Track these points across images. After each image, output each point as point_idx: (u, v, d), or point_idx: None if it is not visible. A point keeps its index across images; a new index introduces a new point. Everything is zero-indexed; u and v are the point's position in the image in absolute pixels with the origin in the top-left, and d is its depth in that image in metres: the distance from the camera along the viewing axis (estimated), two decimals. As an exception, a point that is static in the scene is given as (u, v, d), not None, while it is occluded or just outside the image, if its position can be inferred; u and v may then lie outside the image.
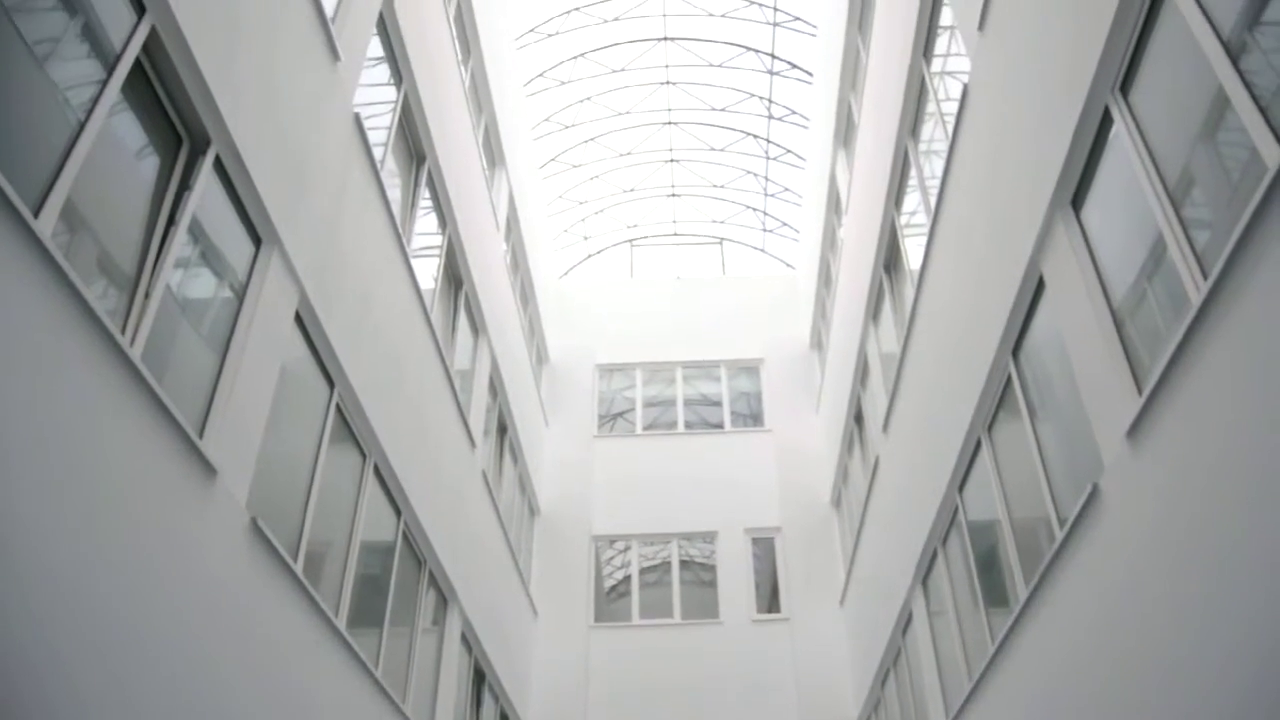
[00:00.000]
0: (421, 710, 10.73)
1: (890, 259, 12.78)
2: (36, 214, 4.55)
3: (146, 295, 5.60)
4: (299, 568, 7.36)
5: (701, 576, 18.50)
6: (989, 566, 9.24)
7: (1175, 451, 5.33)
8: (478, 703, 13.61)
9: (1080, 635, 6.77)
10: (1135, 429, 5.76)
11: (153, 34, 5.63)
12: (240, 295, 6.80)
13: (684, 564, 18.57)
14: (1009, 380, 8.30)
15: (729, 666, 17.06)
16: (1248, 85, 4.62)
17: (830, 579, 17.87)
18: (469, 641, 13.00)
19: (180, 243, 5.94)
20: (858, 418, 15.87)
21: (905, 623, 12.69)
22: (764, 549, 18.68)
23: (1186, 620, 5.25)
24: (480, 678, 13.79)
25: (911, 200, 11.50)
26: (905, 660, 12.89)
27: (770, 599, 18.16)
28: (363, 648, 8.72)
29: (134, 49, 5.42)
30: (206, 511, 5.95)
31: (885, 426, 13.06)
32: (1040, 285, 7.42)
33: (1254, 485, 4.54)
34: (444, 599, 11.95)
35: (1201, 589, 5.08)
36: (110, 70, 5.26)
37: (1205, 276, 5.12)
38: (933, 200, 10.27)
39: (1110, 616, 6.25)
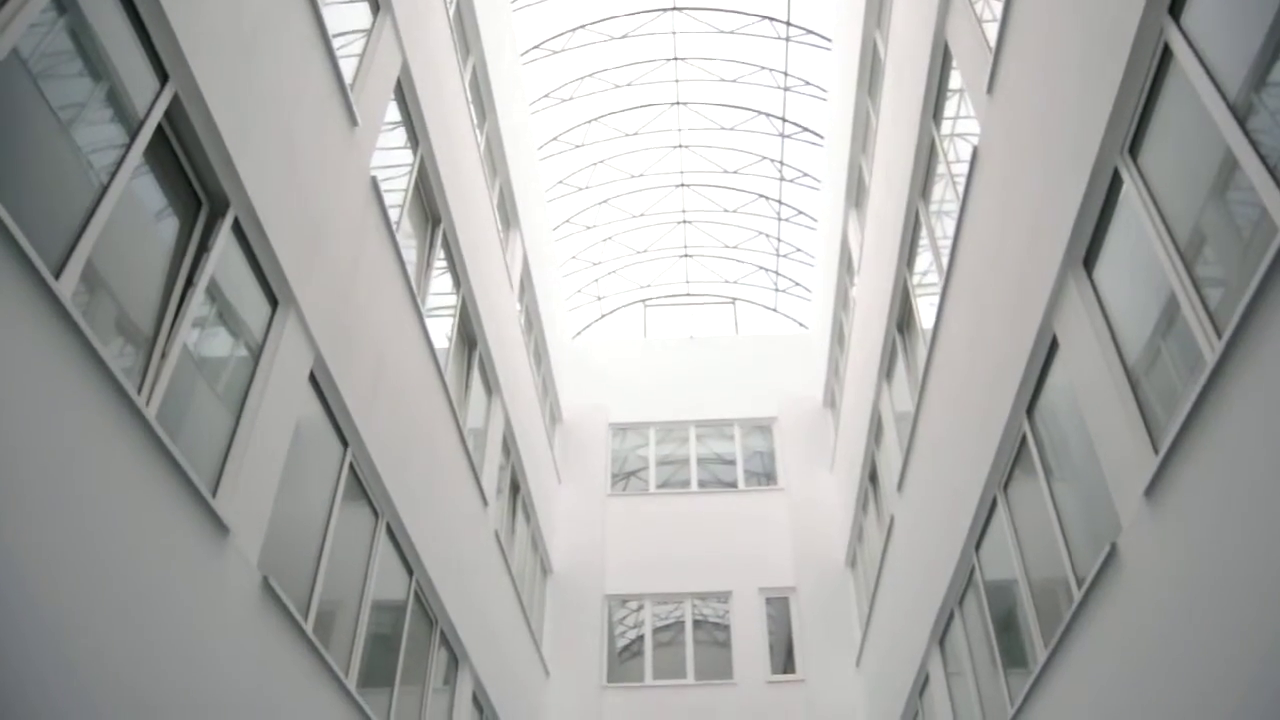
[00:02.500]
0: (432, 775, 10.59)
1: (903, 318, 12.80)
2: (58, 275, 4.62)
3: (163, 355, 5.65)
4: (309, 627, 7.32)
5: (715, 636, 18.28)
6: (1007, 627, 9.12)
7: (1194, 510, 5.28)
8: (489, 767, 13.42)
9: (1100, 697, 6.66)
10: (1153, 488, 5.72)
11: (175, 100, 5.75)
12: (256, 355, 6.86)
13: (698, 624, 18.38)
14: (1024, 439, 8.27)
15: (744, 730, 16.79)
16: (1255, 146, 4.66)
17: (846, 639, 17.64)
18: (480, 702, 12.85)
19: (198, 303, 6.01)
20: (872, 476, 15.78)
21: (922, 684, 12.50)
22: (779, 609, 18.47)
23: (1208, 681, 5.17)
24: (491, 741, 13.61)
25: (923, 260, 11.55)
26: (923, 724, 12.67)
27: (785, 660, 17.92)
28: (373, 708, 8.62)
29: (156, 114, 5.54)
30: (218, 570, 5.94)
31: (900, 485, 12.99)
32: (1054, 344, 7.42)
33: (1275, 543, 4.49)
34: (455, 659, 11.84)
35: (1223, 649, 5.00)
36: (133, 135, 5.37)
37: (1219, 334, 5.12)
38: (944, 260, 10.32)
39: (1131, 678, 6.15)
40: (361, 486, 8.83)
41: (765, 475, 20.39)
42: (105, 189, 5.07)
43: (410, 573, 10.14)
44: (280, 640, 6.78)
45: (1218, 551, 5.02)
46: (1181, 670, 5.47)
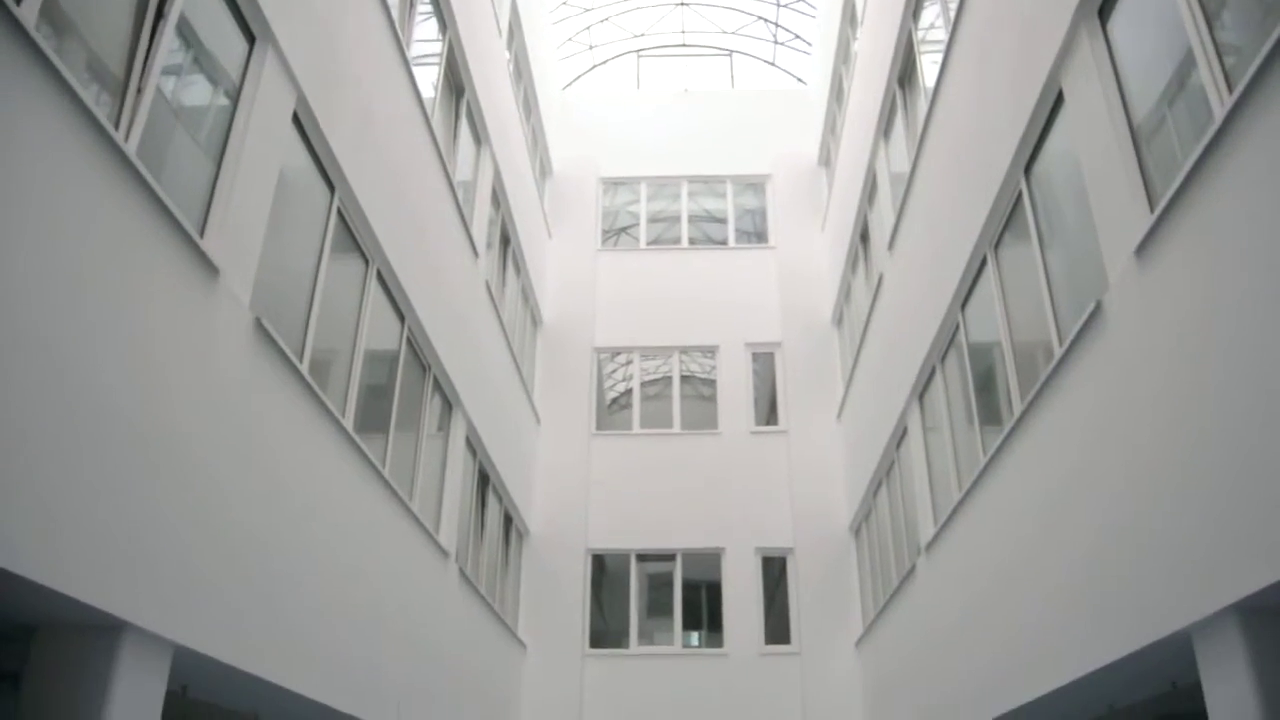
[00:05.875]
0: (428, 510, 11.10)
1: (905, 74, 12.38)
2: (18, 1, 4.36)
3: (139, 91, 5.43)
4: (304, 368, 7.43)
5: (702, 392, 18.79)
6: (986, 385, 9.35)
7: (1185, 269, 5.29)
8: (482, 504, 14.08)
9: (1074, 447, 6.91)
10: (1144, 246, 5.71)
11: None
12: (235, 95, 6.62)
13: (685, 379, 18.83)
14: (1019, 198, 8.18)
15: (726, 471, 17.54)
16: (1297, -118, 4.34)
17: (828, 394, 18.15)
18: (473, 446, 13.32)
19: (169, 37, 5.72)
20: (863, 236, 15.76)
21: (900, 437, 12.97)
22: (764, 364, 18.90)
23: (1180, 438, 5.34)
24: (485, 480, 14.21)
25: (930, 13, 11.05)
26: (898, 472, 13.24)
27: (769, 413, 18.50)
28: (370, 450, 8.92)
29: None
30: (209, 310, 5.96)
31: (891, 245, 12.98)
32: (1059, 100, 7.21)
33: (1263, 301, 4.53)
34: (449, 404, 12.17)
35: (1199, 408, 5.14)
36: None
37: (1231, 92, 4.96)
38: (952, 11, 9.87)
39: (1104, 434, 6.36)
40: (350, 232, 8.76)
41: (756, 234, 20.33)
42: (62, -95, 4.71)
43: (402, 319, 10.24)
44: (275, 381, 6.91)
45: (1205, 311, 5.07)
46: (1155, 426, 5.65)
